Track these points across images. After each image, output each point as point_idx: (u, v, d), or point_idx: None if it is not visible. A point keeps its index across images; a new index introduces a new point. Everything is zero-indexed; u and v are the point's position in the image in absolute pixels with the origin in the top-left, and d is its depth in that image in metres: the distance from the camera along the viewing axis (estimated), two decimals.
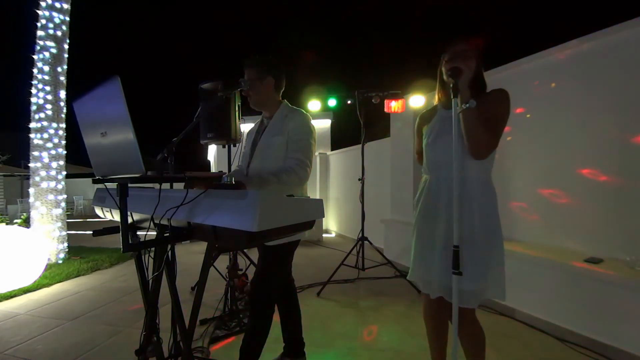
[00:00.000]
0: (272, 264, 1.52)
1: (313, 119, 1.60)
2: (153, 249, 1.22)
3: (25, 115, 4.20)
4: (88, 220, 10.55)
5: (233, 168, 2.08)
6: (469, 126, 1.23)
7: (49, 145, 4.15)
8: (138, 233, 1.26)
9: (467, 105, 1.18)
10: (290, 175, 1.41)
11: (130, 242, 1.00)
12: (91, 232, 1.27)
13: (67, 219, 4.56)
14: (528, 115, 2.70)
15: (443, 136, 1.33)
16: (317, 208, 1.06)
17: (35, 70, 4.16)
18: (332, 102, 3.63)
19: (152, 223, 1.07)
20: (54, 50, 4.21)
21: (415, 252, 1.44)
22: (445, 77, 1.31)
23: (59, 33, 4.26)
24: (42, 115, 4.13)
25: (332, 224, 6.72)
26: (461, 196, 1.27)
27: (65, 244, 4.35)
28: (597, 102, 2.27)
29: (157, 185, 1.06)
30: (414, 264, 1.43)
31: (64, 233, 4.33)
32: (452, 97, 1.18)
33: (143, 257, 1.27)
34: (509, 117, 1.29)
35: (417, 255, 1.43)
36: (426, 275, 1.37)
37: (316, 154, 6.57)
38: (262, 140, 1.57)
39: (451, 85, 1.19)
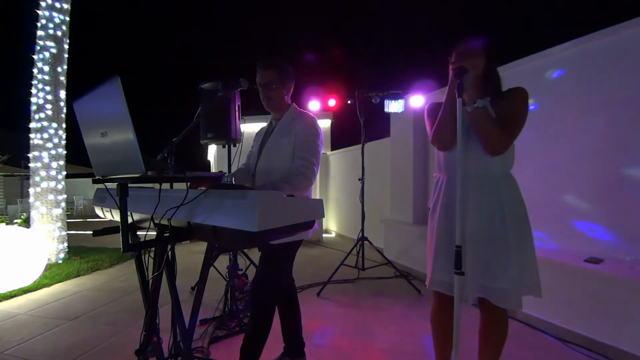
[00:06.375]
0: (275, 264, 1.53)
1: None
2: (153, 249, 1.22)
3: (25, 115, 4.20)
4: (88, 220, 10.55)
5: (233, 168, 2.08)
6: (479, 125, 1.23)
7: (49, 145, 4.15)
8: (138, 233, 1.26)
9: (475, 104, 1.19)
10: (301, 178, 1.44)
11: (130, 242, 1.00)
12: (91, 232, 1.27)
13: (67, 219, 4.56)
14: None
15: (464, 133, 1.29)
16: (317, 208, 1.06)
17: (35, 70, 4.16)
18: (332, 102, 3.63)
19: (152, 223, 1.07)
20: (54, 50, 4.21)
21: (437, 256, 1.35)
22: (451, 77, 1.30)
23: (59, 33, 4.25)
24: (42, 115, 4.13)
25: (332, 224, 6.72)
26: (488, 193, 1.27)
27: (65, 244, 4.35)
28: (597, 102, 2.26)
29: (157, 185, 1.06)
30: (437, 269, 1.34)
31: (64, 233, 4.33)
32: (456, 96, 1.18)
33: (143, 257, 1.27)
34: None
35: (440, 259, 1.34)
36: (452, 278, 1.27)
37: None
38: (270, 141, 1.61)
39: (456, 85, 1.19)
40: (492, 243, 1.25)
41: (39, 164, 4.12)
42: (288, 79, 1.60)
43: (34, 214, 4.11)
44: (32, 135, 4.14)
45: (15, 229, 3.32)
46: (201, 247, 4.32)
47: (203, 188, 1.00)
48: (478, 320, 1.41)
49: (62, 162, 4.32)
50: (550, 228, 2.54)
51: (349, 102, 3.53)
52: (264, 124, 1.77)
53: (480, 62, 1.26)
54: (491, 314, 1.33)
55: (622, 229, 2.13)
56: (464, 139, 1.19)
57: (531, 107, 2.67)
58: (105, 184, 1.12)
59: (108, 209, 1.39)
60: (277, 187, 1.38)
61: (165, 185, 1.16)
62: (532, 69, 2.67)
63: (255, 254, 2.92)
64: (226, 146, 2.52)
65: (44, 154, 4.13)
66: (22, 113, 4.27)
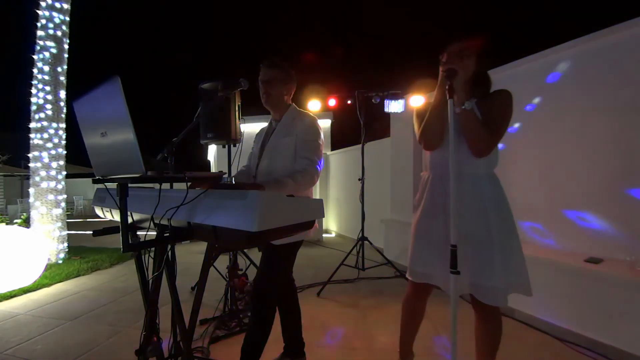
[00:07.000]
0: (275, 263, 1.53)
1: None
2: (153, 249, 1.22)
3: (25, 115, 4.20)
4: (88, 220, 10.55)
5: (233, 168, 2.08)
6: (466, 127, 1.26)
7: (49, 145, 4.15)
8: (138, 233, 1.26)
9: (464, 106, 1.22)
10: (305, 175, 1.44)
11: (130, 242, 1.00)
12: (91, 232, 1.27)
13: (67, 219, 4.56)
14: (525, 122, 2.70)
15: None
16: (317, 208, 1.06)
17: (35, 70, 4.16)
18: (332, 102, 3.63)
19: (152, 223, 1.07)
20: (54, 50, 4.21)
21: (415, 248, 1.43)
22: (440, 78, 1.33)
23: (59, 33, 4.25)
24: (42, 115, 4.12)
25: (332, 224, 6.72)
26: (472, 193, 1.29)
27: (65, 244, 4.35)
28: (597, 103, 2.26)
29: (157, 185, 1.06)
30: (414, 260, 1.43)
31: (64, 233, 4.33)
32: (447, 98, 1.20)
33: (143, 257, 1.27)
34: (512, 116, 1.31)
35: (417, 252, 1.42)
36: (435, 271, 1.36)
37: None
38: (271, 141, 1.61)
39: (446, 87, 1.22)
40: (478, 242, 1.27)
41: (39, 164, 4.11)
42: (290, 82, 1.62)
43: (34, 214, 4.11)
44: (32, 135, 4.13)
45: (15, 229, 3.32)
46: (201, 247, 4.33)
47: (201, 189, 1.00)
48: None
49: (62, 162, 4.32)
50: (550, 227, 2.54)
51: (349, 102, 3.53)
52: (264, 124, 1.77)
53: (470, 64, 1.28)
54: (483, 311, 1.35)
55: (623, 229, 2.13)
56: (454, 139, 1.21)
57: (531, 107, 2.68)
58: (105, 184, 1.12)
59: (108, 209, 1.39)
60: (280, 182, 1.37)
61: (165, 185, 1.16)
62: (531, 69, 2.67)
63: (255, 254, 2.92)
64: (226, 146, 2.51)
65: (44, 154, 4.12)
66: (22, 113, 4.27)
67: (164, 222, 1.05)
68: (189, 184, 1.18)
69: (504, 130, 1.29)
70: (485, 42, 1.32)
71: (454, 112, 1.22)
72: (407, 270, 1.48)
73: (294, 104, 1.66)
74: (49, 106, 4.16)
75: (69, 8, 4.36)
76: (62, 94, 4.32)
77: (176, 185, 1.23)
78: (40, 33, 4.18)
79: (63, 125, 4.34)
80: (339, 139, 7.04)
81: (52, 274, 3.58)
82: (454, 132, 1.20)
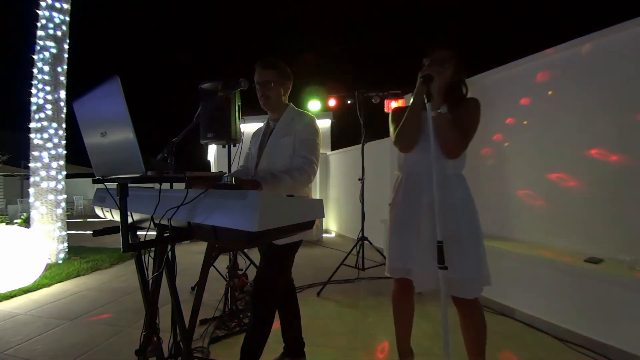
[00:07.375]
0: (275, 263, 1.53)
1: None
2: (153, 249, 1.22)
3: (25, 115, 4.20)
4: (88, 220, 10.55)
5: (234, 168, 2.08)
6: (440, 130, 1.32)
7: (49, 145, 4.15)
8: (138, 233, 1.26)
9: (439, 110, 1.29)
10: (302, 173, 1.45)
11: (130, 242, 1.00)
12: (91, 232, 1.27)
13: (67, 219, 4.56)
14: (525, 122, 2.70)
15: (421, 136, 1.42)
16: (317, 208, 1.06)
17: (35, 70, 4.16)
18: (332, 102, 3.63)
19: (152, 223, 1.07)
20: (54, 50, 4.21)
21: (392, 246, 1.50)
22: (418, 83, 1.39)
23: (59, 33, 4.25)
24: (42, 115, 4.13)
25: (332, 224, 6.72)
26: (443, 192, 1.35)
27: (65, 244, 4.35)
28: (597, 102, 2.26)
29: (157, 185, 1.06)
30: (392, 257, 1.49)
31: (64, 233, 4.33)
32: (425, 101, 1.26)
33: (143, 257, 1.27)
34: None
35: (394, 249, 1.49)
36: (414, 266, 1.43)
37: None
38: (270, 141, 1.60)
39: (425, 91, 1.28)
40: (448, 239, 1.31)
41: (39, 164, 4.11)
42: (286, 80, 1.61)
43: (34, 214, 4.11)
44: (32, 135, 4.13)
45: (15, 229, 3.32)
46: (201, 247, 4.32)
47: (199, 190, 1.00)
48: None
49: (62, 162, 4.32)
50: (550, 226, 2.54)
51: (349, 102, 3.53)
52: (263, 124, 1.77)
53: (448, 72, 1.37)
54: (462, 306, 1.40)
55: (623, 229, 2.13)
56: (424, 142, 1.29)
57: (531, 107, 2.68)
58: (105, 184, 1.12)
59: (108, 209, 1.39)
60: (277, 177, 1.39)
61: (165, 185, 1.16)
62: (531, 69, 2.67)
63: (255, 254, 2.92)
64: (226, 146, 2.52)
65: (44, 154, 4.12)
66: (22, 113, 4.27)
67: (164, 222, 1.05)
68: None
69: (472, 135, 1.38)
70: (465, 51, 1.39)
71: (427, 115, 1.27)
72: (386, 268, 1.54)
73: (291, 104, 1.66)
74: (49, 106, 4.16)
75: (69, 8, 4.36)
76: (62, 94, 4.32)
77: (176, 185, 1.23)
78: (40, 33, 4.18)
79: (63, 125, 4.34)
80: (339, 139, 7.05)
81: (52, 274, 3.58)
82: (424, 135, 1.27)
